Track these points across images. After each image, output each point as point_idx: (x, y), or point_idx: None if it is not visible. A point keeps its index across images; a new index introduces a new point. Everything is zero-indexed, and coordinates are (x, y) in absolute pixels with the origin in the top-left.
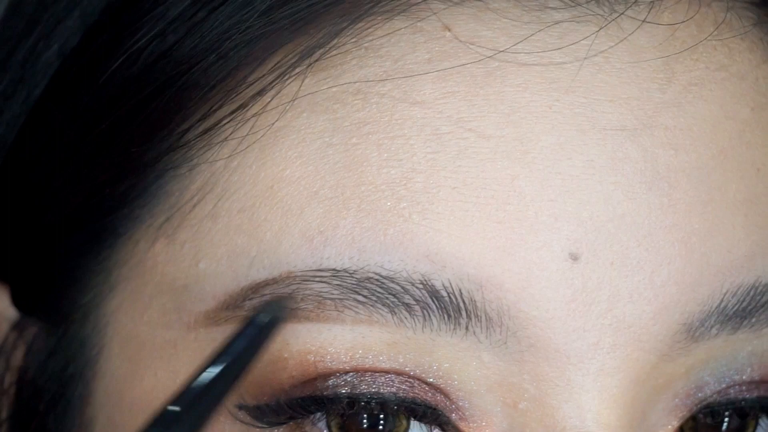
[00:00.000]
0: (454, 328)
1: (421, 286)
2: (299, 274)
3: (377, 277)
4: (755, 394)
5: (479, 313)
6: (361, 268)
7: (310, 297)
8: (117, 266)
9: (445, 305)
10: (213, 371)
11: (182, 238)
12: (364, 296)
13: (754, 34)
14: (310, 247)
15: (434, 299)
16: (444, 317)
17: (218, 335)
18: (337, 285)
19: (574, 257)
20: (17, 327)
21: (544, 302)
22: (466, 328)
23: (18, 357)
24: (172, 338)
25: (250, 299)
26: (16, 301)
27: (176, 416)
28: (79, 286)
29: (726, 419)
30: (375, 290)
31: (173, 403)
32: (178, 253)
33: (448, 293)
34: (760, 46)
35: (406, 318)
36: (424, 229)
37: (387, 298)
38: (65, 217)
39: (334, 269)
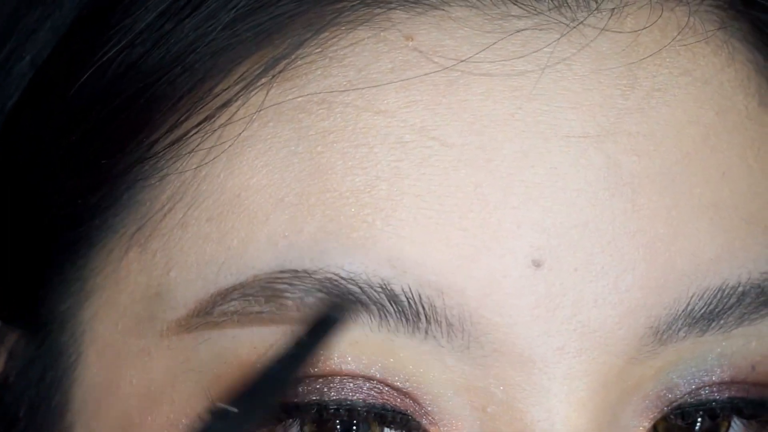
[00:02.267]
0: (413, 332)
1: (380, 289)
2: (263, 276)
3: (337, 277)
4: (726, 395)
5: (439, 319)
6: (321, 269)
7: (272, 299)
8: (92, 275)
9: (404, 309)
10: (271, 370)
11: (154, 247)
12: (323, 295)
13: (718, 38)
14: (275, 251)
15: (392, 303)
16: (401, 320)
17: (190, 342)
18: (297, 286)
19: (537, 264)
20: None
21: (507, 308)
22: (426, 332)
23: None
24: (146, 346)
25: (219, 305)
26: None
27: (234, 417)
28: (56, 295)
29: (698, 420)
30: (332, 290)
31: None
32: (150, 262)
33: (407, 298)
34: (724, 49)
35: (361, 315)
36: (387, 235)
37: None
38: (40, 227)
39: (294, 270)
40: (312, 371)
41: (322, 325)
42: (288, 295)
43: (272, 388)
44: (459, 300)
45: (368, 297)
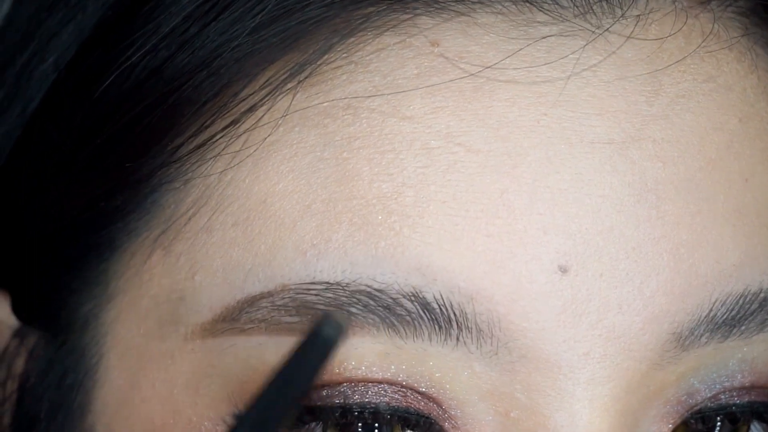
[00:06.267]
0: (445, 339)
1: (412, 298)
2: (293, 287)
3: (369, 289)
4: (746, 399)
5: (470, 325)
6: (354, 281)
7: (303, 311)
8: (115, 278)
9: (436, 317)
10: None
11: (178, 251)
12: (357, 308)
13: (741, 45)
14: (304, 261)
15: (425, 311)
16: (435, 328)
17: (215, 347)
18: (330, 298)
19: (564, 269)
20: (18, 335)
21: (534, 314)
22: (457, 339)
23: (19, 364)
24: (169, 349)
25: (246, 312)
26: (17, 310)
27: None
28: (78, 297)
29: (718, 424)
30: (367, 302)
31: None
32: (174, 266)
33: (438, 305)
34: (748, 56)
35: (397, 329)
36: (415, 243)
37: (378, 310)
38: (63, 229)
39: (327, 282)
40: (336, 377)
41: (323, 345)
42: (321, 307)
43: (290, 395)
44: (488, 306)
45: (403, 308)
